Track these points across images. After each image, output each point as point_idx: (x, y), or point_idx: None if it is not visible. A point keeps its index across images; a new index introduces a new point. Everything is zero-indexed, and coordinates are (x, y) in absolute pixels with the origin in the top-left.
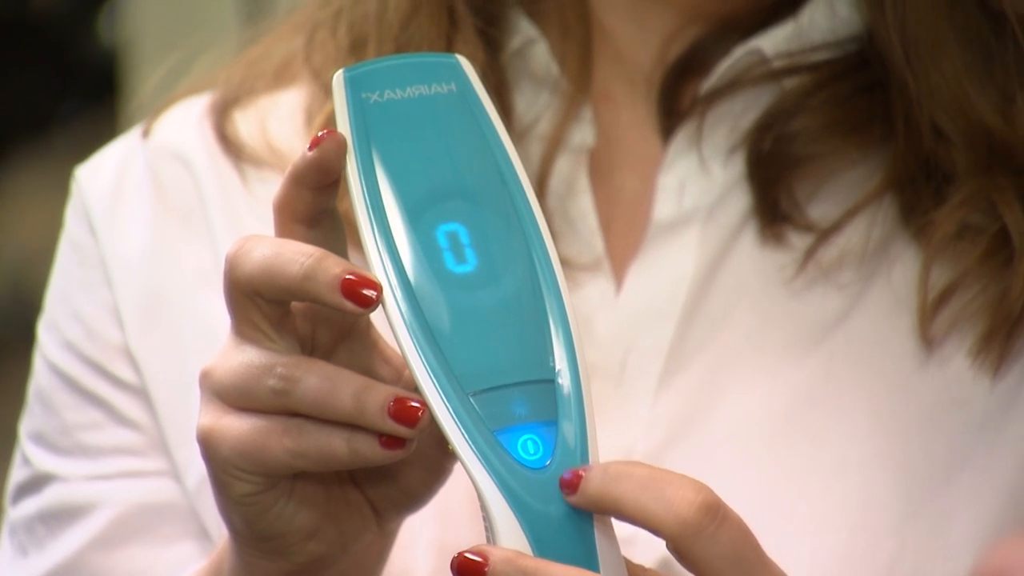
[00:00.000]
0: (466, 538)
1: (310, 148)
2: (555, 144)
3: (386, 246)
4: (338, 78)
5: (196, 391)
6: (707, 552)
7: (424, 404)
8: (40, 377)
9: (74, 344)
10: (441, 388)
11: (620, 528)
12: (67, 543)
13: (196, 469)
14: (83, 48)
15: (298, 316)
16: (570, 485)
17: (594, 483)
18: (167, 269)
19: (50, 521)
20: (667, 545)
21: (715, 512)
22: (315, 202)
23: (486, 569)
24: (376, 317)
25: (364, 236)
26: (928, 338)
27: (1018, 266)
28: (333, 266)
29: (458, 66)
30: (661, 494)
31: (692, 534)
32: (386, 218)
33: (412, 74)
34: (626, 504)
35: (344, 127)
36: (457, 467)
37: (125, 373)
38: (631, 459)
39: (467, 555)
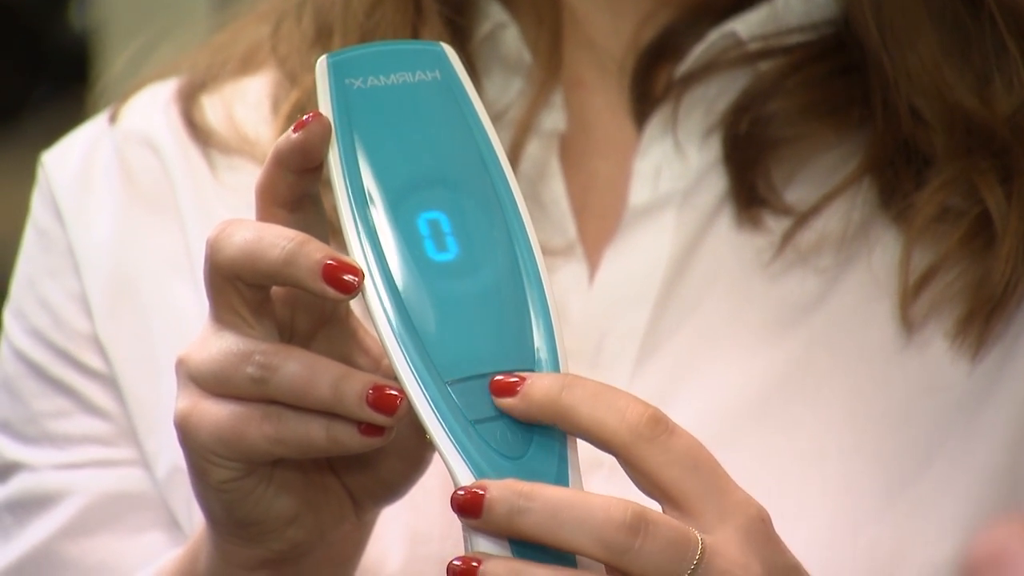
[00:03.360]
0: (439, 527)
1: (295, 130)
2: (524, 129)
3: (366, 233)
4: (322, 63)
5: (166, 379)
6: (662, 458)
7: (402, 392)
8: (6, 365)
9: (41, 332)
10: (419, 376)
11: None
12: (35, 533)
13: (166, 458)
14: (55, 34)
15: (278, 302)
16: (506, 389)
17: (542, 389)
18: (135, 256)
19: (18, 510)
20: (618, 459)
21: (665, 422)
22: (297, 185)
23: (485, 497)
24: (356, 305)
25: (344, 223)
26: (908, 321)
27: (999, 248)
28: (315, 251)
29: (443, 54)
30: (613, 404)
31: (646, 441)
32: (367, 205)
33: (396, 61)
34: (579, 412)
35: (327, 112)
36: (433, 457)
37: (93, 361)
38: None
39: (464, 490)
